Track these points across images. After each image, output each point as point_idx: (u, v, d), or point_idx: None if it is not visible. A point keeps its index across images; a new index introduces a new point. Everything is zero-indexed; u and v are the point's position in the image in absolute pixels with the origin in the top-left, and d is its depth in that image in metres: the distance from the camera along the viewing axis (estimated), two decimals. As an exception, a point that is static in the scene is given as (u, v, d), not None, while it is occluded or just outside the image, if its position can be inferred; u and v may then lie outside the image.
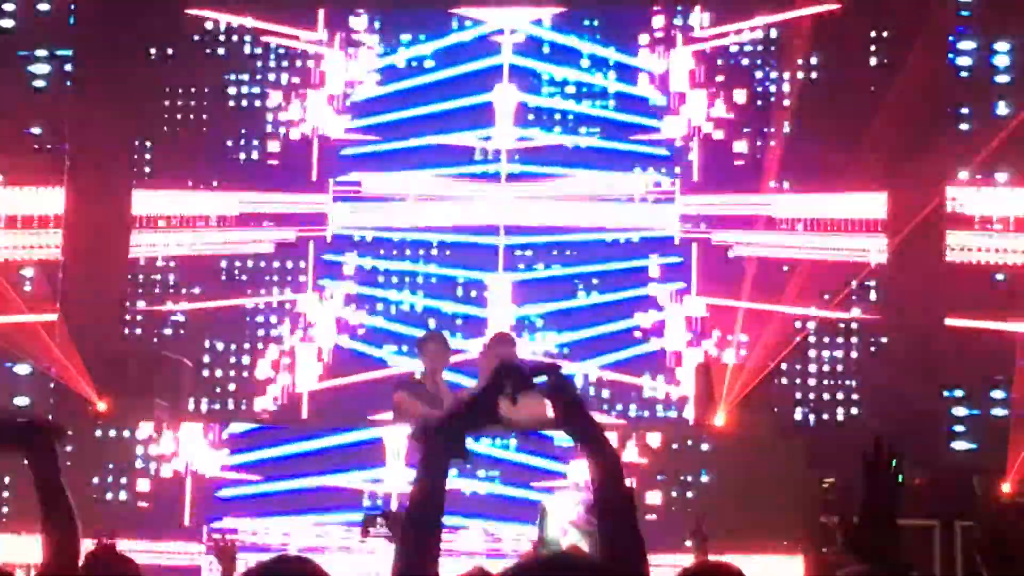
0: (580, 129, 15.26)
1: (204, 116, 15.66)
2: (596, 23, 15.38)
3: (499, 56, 15.45)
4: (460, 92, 15.41)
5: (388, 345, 15.08)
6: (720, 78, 15.11)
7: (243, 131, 15.62)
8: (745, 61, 15.16)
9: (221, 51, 15.73)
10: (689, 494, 11.03)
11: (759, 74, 15.11)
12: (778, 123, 14.84)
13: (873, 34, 14.87)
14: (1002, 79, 14.55)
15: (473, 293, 15.19)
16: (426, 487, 3.66)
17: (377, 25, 15.59)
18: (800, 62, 14.96)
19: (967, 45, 14.60)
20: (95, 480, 11.44)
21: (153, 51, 15.71)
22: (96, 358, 14.00)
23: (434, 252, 15.30)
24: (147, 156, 15.65)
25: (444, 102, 15.41)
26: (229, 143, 15.60)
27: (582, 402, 3.96)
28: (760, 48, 15.16)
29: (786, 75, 15.04)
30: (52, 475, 4.75)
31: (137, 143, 15.63)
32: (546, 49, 15.42)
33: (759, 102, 15.03)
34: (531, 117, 15.36)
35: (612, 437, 11.26)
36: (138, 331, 15.35)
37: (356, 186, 15.29)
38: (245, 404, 15.24)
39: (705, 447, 11.44)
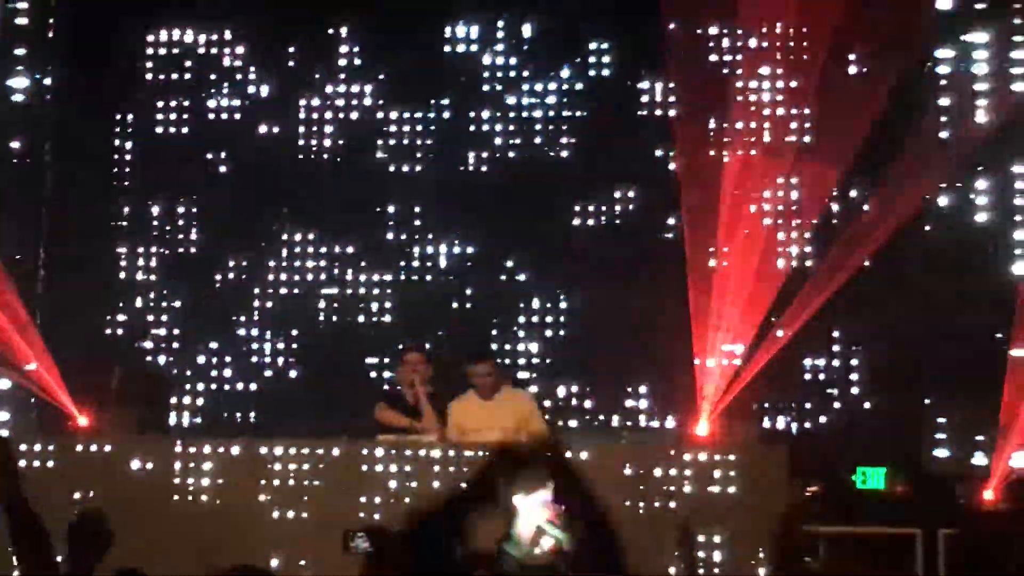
0: (560, 140, 15.28)
1: (184, 129, 15.65)
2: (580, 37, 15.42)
3: (483, 68, 15.49)
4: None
5: (369, 357, 15.08)
6: (700, 90, 15.13)
7: (222, 143, 15.62)
8: (726, 71, 15.17)
9: (200, 64, 15.72)
10: (672, 504, 11.00)
11: (740, 84, 15.11)
12: (759, 131, 14.85)
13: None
14: (980, 86, 14.60)
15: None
16: None
17: (356, 47, 15.59)
18: (781, 72, 14.98)
19: (946, 53, 14.64)
20: (76, 495, 11.36)
21: (133, 63, 15.71)
22: (77, 372, 13.95)
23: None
24: (127, 169, 15.64)
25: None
26: (209, 155, 15.59)
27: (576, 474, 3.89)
28: (740, 58, 15.19)
29: (767, 85, 15.06)
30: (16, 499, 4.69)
31: (117, 156, 15.61)
32: (527, 61, 15.45)
33: (742, 111, 15.05)
34: (512, 128, 15.37)
35: (593, 448, 11.26)
36: (119, 345, 15.33)
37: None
38: (227, 417, 15.22)
39: (687, 456, 11.41)
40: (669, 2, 14.55)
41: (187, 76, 15.73)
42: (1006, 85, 14.55)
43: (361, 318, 15.34)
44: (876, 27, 14.53)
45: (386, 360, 14.83)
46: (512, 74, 15.45)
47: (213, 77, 15.72)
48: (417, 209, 15.39)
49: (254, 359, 15.33)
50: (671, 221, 15.11)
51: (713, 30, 15.20)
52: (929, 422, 14.14)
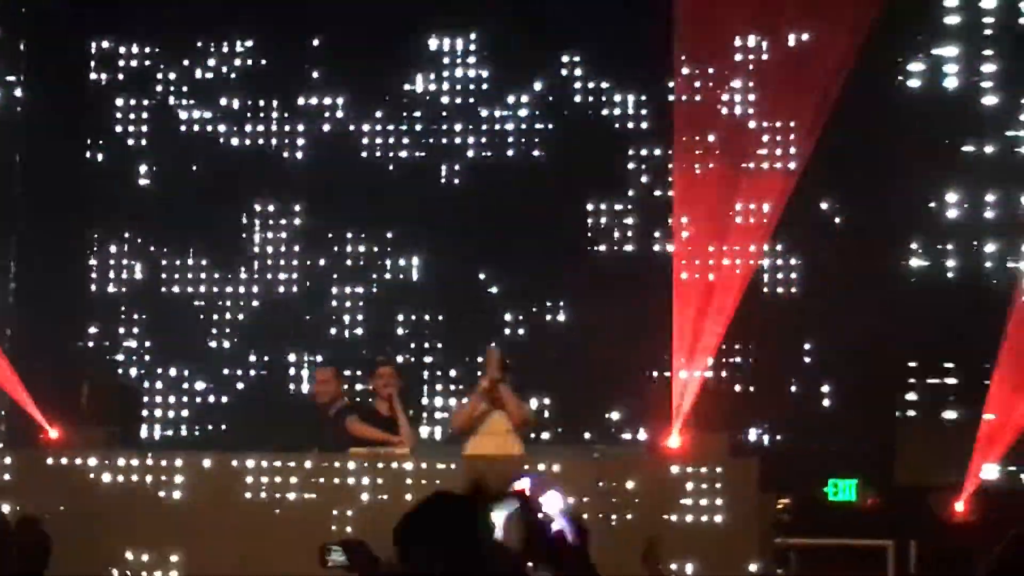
0: (532, 152, 15.30)
1: (155, 141, 15.64)
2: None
3: (456, 81, 15.52)
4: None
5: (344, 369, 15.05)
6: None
7: (193, 155, 15.61)
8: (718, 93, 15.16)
9: (172, 75, 15.71)
10: (643, 516, 11.01)
11: (725, 97, 15.12)
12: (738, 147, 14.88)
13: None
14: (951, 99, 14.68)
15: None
16: None
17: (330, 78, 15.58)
18: (752, 85, 15.02)
19: (917, 67, 14.72)
20: (47, 508, 11.31)
21: (104, 76, 15.69)
22: (48, 385, 13.90)
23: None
24: (98, 181, 15.61)
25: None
26: (180, 167, 15.57)
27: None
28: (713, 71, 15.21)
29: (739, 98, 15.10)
30: None
31: (88, 168, 15.59)
32: (500, 74, 15.47)
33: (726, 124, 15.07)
34: (484, 140, 15.38)
35: (567, 457, 11.27)
36: (90, 357, 15.29)
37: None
38: (198, 430, 15.19)
39: (659, 469, 11.43)
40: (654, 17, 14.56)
41: (158, 88, 15.70)
42: (976, 97, 14.62)
43: (333, 331, 15.32)
44: (847, 40, 14.59)
45: (358, 373, 14.79)
46: (485, 87, 15.46)
47: (185, 89, 15.70)
48: (389, 222, 15.37)
49: (225, 371, 15.30)
50: (645, 233, 15.13)
51: (691, 48, 15.18)
52: (900, 433, 14.17)
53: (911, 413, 14.26)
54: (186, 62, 15.70)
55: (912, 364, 14.26)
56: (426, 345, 15.23)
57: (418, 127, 15.45)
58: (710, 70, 15.13)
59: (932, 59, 14.71)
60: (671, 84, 14.88)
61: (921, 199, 14.62)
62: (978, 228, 14.54)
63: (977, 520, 12.10)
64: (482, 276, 15.21)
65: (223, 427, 15.16)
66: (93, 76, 15.68)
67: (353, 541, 5.37)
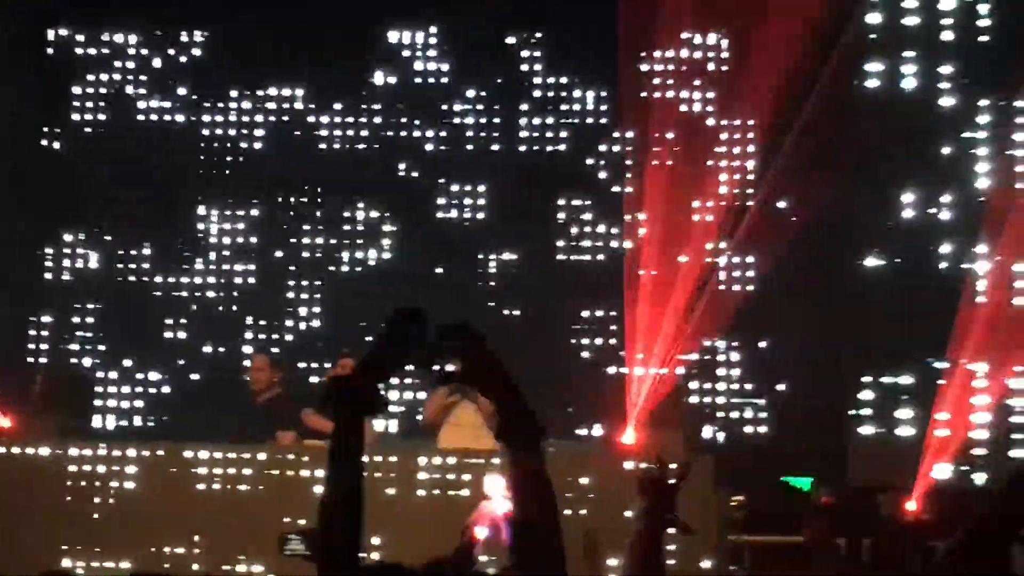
0: (491, 147, 15.30)
1: (113, 130, 15.56)
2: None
3: (415, 74, 15.50)
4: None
5: (299, 362, 15.02)
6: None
7: (151, 145, 15.54)
8: (671, 91, 15.18)
9: (130, 64, 15.64)
10: (596, 511, 11.01)
11: (686, 94, 15.15)
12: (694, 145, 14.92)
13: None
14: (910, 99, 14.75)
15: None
16: (342, 449, 3.59)
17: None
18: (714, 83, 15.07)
19: (875, 67, 14.78)
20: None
21: (61, 64, 15.61)
22: (1, 373, 13.82)
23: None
24: (55, 169, 15.52)
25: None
26: (138, 157, 15.50)
27: (482, 346, 3.76)
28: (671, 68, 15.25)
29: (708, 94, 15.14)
30: None
31: (44, 156, 15.49)
32: (460, 68, 15.47)
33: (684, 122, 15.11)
34: (444, 134, 15.37)
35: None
36: (44, 346, 15.20)
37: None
38: (152, 421, 15.12)
39: (614, 465, 11.44)
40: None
41: (116, 76, 15.62)
42: (934, 99, 14.70)
43: (289, 323, 15.28)
44: (806, 40, 14.65)
45: (314, 365, 14.77)
46: (444, 80, 15.45)
47: (143, 78, 15.62)
48: (346, 215, 15.34)
49: (180, 362, 15.23)
50: (602, 229, 15.15)
51: (649, 44, 15.22)
52: (853, 434, 14.25)
53: (866, 412, 14.32)
54: (144, 51, 15.62)
55: (867, 363, 14.32)
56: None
57: (377, 120, 15.43)
58: (670, 68, 15.19)
59: (891, 60, 14.78)
60: (631, 81, 14.92)
61: (878, 199, 14.68)
62: (934, 228, 14.62)
63: (931, 518, 12.17)
64: (439, 270, 15.19)
65: (177, 418, 15.07)
66: (50, 64, 15.58)
67: (310, 530, 5.36)
